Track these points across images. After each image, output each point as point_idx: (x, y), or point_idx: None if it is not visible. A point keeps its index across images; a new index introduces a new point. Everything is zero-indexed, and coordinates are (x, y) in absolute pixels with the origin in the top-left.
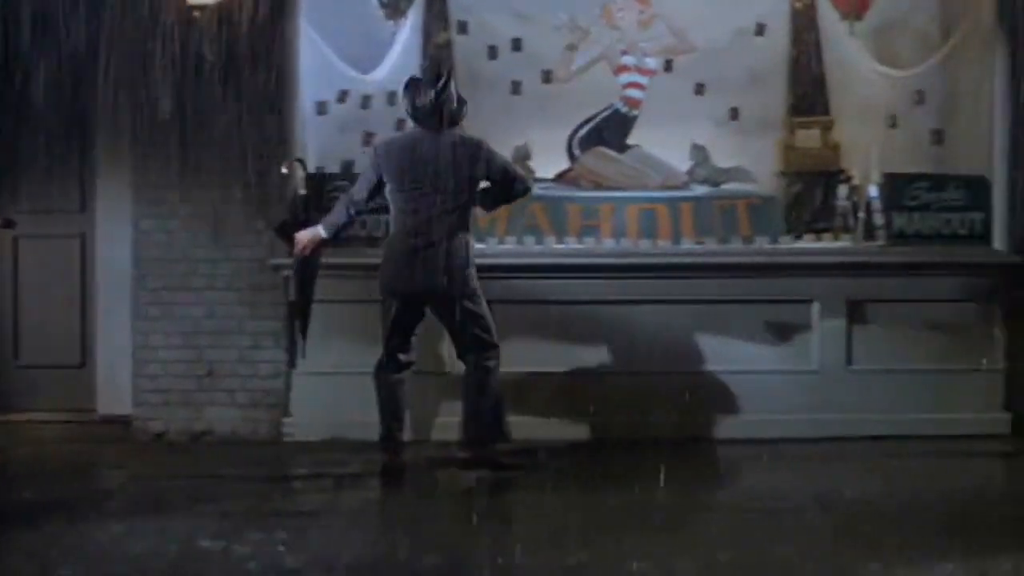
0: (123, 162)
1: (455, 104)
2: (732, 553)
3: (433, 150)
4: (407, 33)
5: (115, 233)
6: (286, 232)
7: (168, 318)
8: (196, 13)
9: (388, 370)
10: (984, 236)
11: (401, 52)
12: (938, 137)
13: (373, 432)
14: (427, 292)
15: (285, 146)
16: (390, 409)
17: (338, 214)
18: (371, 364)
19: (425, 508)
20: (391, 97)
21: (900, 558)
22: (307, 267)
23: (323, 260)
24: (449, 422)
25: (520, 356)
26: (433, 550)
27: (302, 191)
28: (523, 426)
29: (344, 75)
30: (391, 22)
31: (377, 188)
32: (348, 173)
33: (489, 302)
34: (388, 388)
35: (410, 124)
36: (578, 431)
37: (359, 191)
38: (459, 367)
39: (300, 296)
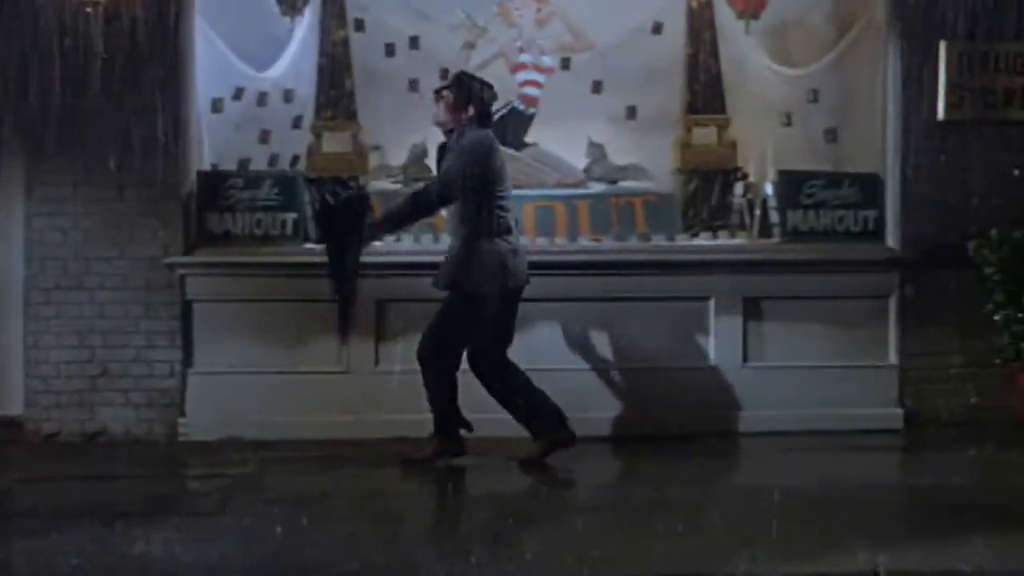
0: (15, 160)
1: None
2: (612, 549)
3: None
4: (304, 30)
5: (7, 232)
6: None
7: (61, 317)
8: (89, 9)
9: (516, 371)
10: (877, 233)
11: (298, 49)
12: (832, 135)
13: (268, 431)
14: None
15: (180, 144)
16: (553, 406)
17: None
18: (265, 363)
19: (328, 506)
20: (288, 94)
21: (792, 551)
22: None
23: (232, 259)
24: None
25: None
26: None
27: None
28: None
29: (240, 72)
30: (288, 19)
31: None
32: (245, 171)
33: (388, 300)
34: (531, 389)
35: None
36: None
37: (452, 190)
38: None
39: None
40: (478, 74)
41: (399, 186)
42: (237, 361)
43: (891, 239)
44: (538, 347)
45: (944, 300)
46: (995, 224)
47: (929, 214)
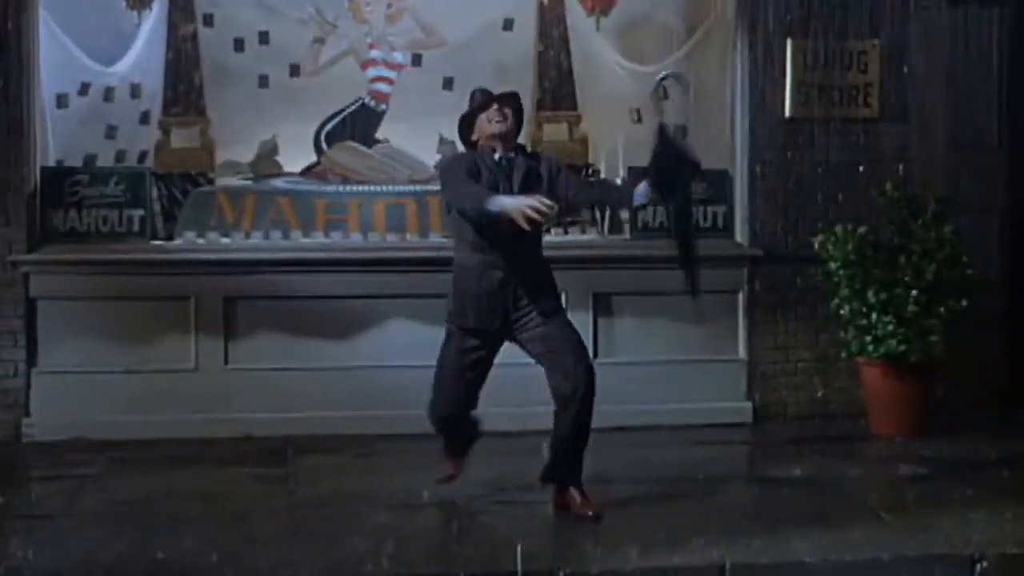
0: None
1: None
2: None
3: None
4: (151, 25)
5: None
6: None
7: None
8: None
9: None
10: (726, 229)
11: (145, 44)
12: (682, 131)
13: (115, 431)
14: None
15: (23, 139)
16: None
17: None
18: (112, 362)
19: (174, 506)
20: (135, 90)
21: (640, 545)
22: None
23: (77, 257)
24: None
25: (267, 352)
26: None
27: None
28: (272, 423)
29: (86, 67)
30: (135, 13)
31: None
32: (90, 167)
33: (237, 297)
34: None
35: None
36: (328, 425)
37: None
38: None
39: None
40: (328, 71)
41: (248, 182)
42: (83, 360)
43: (739, 235)
44: (389, 344)
45: (791, 295)
46: (840, 220)
47: (776, 210)
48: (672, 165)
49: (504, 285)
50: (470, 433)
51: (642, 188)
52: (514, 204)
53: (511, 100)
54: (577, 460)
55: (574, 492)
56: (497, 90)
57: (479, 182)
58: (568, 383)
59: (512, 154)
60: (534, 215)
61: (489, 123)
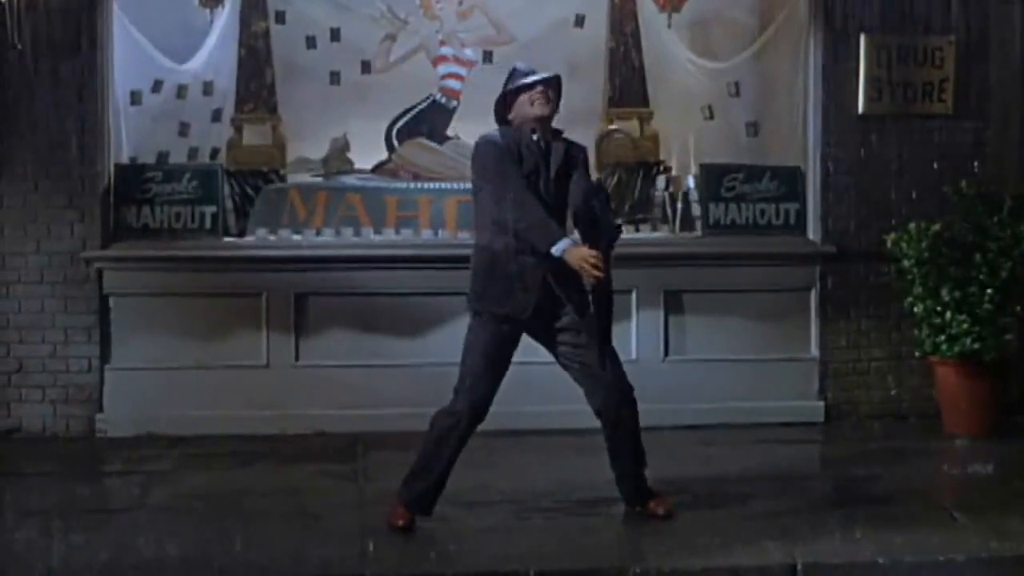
0: None
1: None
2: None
3: None
4: (224, 22)
5: None
6: None
7: None
8: (4, 0)
9: None
10: (798, 226)
11: (217, 42)
12: (754, 129)
13: (187, 427)
14: None
15: (97, 136)
16: None
17: None
18: (184, 358)
19: (245, 502)
20: (207, 87)
21: (711, 544)
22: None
23: (150, 253)
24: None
25: (338, 349)
26: (248, 546)
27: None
28: (343, 419)
29: (159, 64)
30: (207, 11)
31: None
32: (163, 164)
33: (307, 294)
34: None
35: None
36: (399, 422)
37: None
38: None
39: None
40: (399, 68)
41: (319, 179)
42: (155, 356)
43: (812, 232)
44: (459, 341)
45: (864, 293)
46: (914, 217)
47: (849, 207)
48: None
49: (536, 271)
50: (442, 476)
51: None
52: (577, 256)
53: (555, 83)
54: (642, 472)
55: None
56: (567, 87)
57: (521, 166)
58: (613, 397)
59: (549, 137)
60: (592, 272)
61: (532, 105)
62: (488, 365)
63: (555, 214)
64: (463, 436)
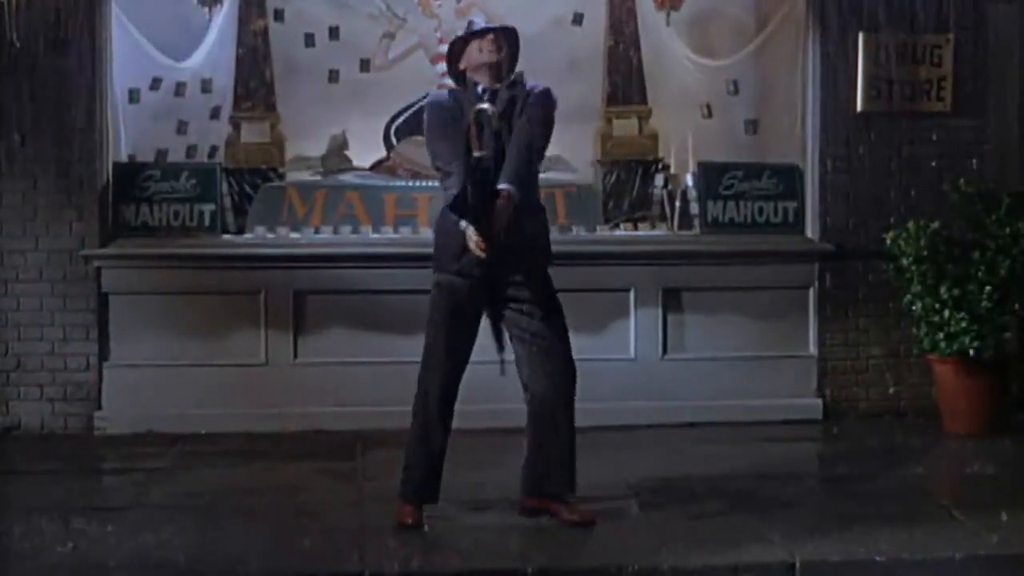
0: None
1: None
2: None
3: None
4: (223, 20)
5: None
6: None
7: None
8: None
9: None
10: (797, 224)
11: (216, 39)
12: (752, 127)
13: (185, 424)
14: None
15: (96, 134)
16: None
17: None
18: (183, 356)
19: (243, 501)
20: (206, 85)
21: (710, 542)
22: None
23: (149, 251)
24: None
25: (337, 347)
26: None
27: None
28: (342, 417)
29: (157, 62)
30: (206, 9)
31: None
32: (162, 162)
33: (306, 292)
34: None
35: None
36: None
37: None
38: None
39: None
40: (397, 66)
41: (318, 177)
42: (154, 354)
43: (810, 230)
44: None
45: (862, 291)
46: (912, 215)
47: (848, 205)
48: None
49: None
50: (437, 461)
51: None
52: (468, 235)
53: (507, 35)
54: (570, 468)
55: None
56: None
57: (459, 124)
58: (553, 384)
59: (497, 85)
60: (477, 252)
61: (480, 52)
62: (446, 339)
63: (496, 164)
64: (438, 415)
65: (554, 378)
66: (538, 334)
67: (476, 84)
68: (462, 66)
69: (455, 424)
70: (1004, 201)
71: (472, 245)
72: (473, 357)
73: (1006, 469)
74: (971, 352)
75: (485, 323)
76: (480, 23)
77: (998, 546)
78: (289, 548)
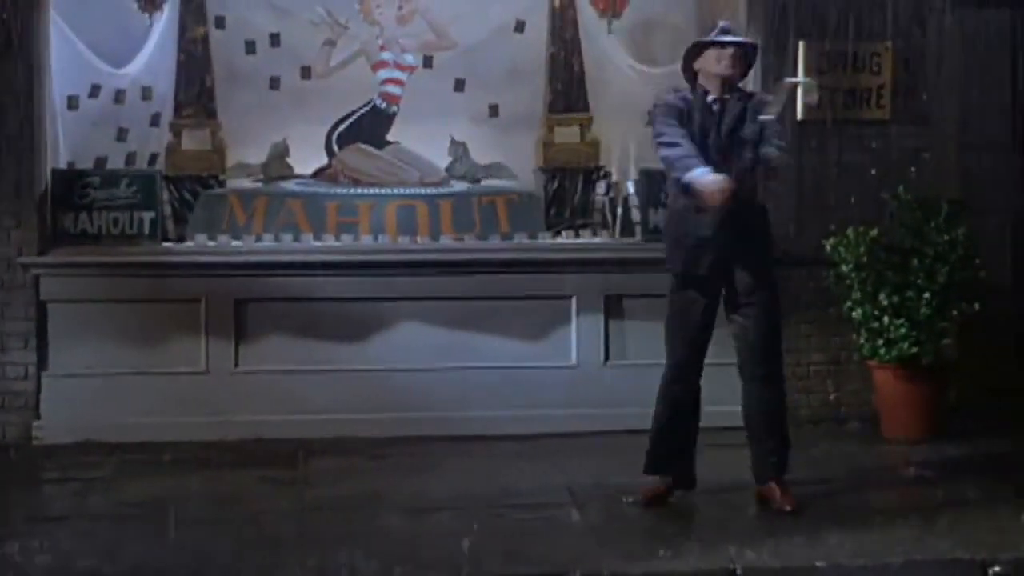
0: None
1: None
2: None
3: None
4: (163, 27)
5: None
6: None
7: None
8: None
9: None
10: None
11: (156, 46)
12: None
13: (125, 434)
14: None
15: (34, 141)
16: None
17: None
18: (123, 364)
19: (183, 510)
20: (146, 92)
21: (653, 548)
22: None
23: (88, 259)
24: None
25: (278, 354)
26: (184, 554)
27: None
28: (283, 425)
29: (97, 69)
30: (146, 15)
31: None
32: (101, 169)
33: (247, 300)
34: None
35: None
36: (340, 428)
37: None
38: None
39: None
40: (339, 73)
41: (259, 184)
42: (93, 362)
43: None
44: (401, 347)
45: (803, 298)
46: (852, 223)
47: (788, 212)
48: None
49: (716, 230)
50: (686, 437)
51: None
52: (704, 183)
53: (748, 51)
54: (776, 450)
55: (773, 485)
56: (507, 92)
57: (689, 127)
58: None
59: (726, 96)
60: (720, 198)
61: (718, 62)
62: (683, 329)
63: (721, 169)
64: (679, 398)
65: (761, 365)
66: (749, 321)
67: (707, 92)
68: (696, 66)
69: (403, 431)
70: (943, 208)
71: (714, 193)
72: (418, 365)
73: (945, 474)
74: (911, 358)
75: None
76: (727, 28)
77: (936, 551)
78: (230, 557)
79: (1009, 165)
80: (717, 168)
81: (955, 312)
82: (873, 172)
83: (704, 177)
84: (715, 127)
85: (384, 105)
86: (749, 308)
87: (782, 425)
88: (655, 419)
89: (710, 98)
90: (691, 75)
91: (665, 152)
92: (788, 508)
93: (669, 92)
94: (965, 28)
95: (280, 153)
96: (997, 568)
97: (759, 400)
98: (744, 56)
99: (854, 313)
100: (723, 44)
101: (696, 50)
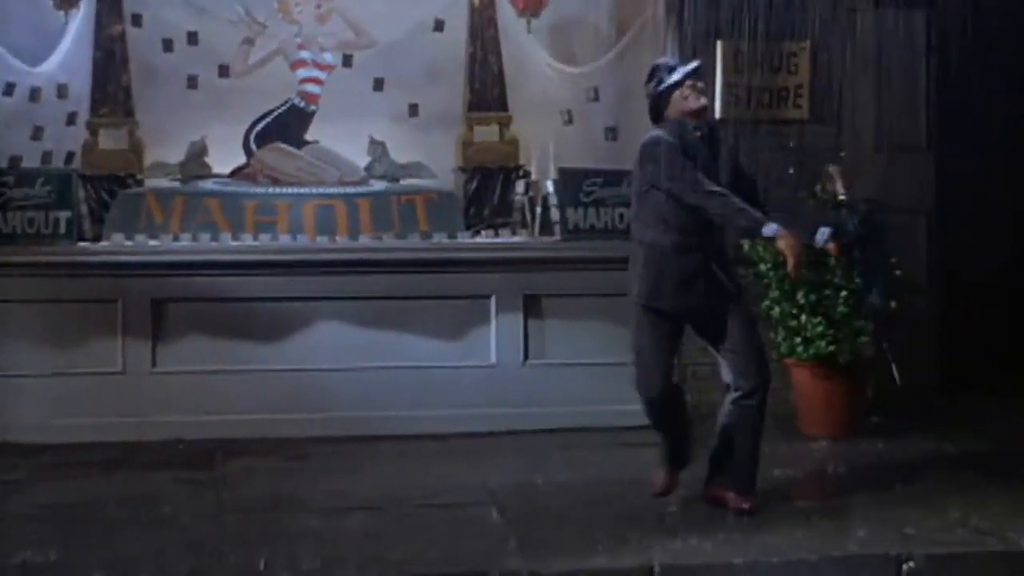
0: None
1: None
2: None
3: None
4: (79, 24)
5: None
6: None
7: None
8: None
9: None
10: None
11: (72, 44)
12: (613, 134)
13: (42, 435)
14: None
15: None
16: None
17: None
18: (38, 365)
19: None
20: (62, 90)
21: (572, 546)
22: None
23: (2, 259)
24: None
25: (196, 355)
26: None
27: None
28: (201, 426)
29: (11, 67)
30: (62, 13)
31: None
32: (16, 168)
33: (165, 300)
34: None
35: None
36: (259, 428)
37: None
38: None
39: None
40: (257, 72)
41: (177, 184)
42: (8, 364)
43: None
44: (320, 347)
45: None
46: None
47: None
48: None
49: (702, 266)
50: (682, 428)
51: (824, 233)
52: (788, 243)
53: (701, 72)
54: (749, 462)
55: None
56: (427, 92)
57: (695, 166)
58: (748, 383)
59: (706, 127)
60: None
61: (685, 100)
62: (657, 352)
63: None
64: (670, 413)
65: (751, 379)
66: (736, 341)
67: (695, 128)
68: (669, 114)
69: (322, 431)
70: (859, 207)
71: (793, 258)
72: (337, 365)
73: (862, 470)
74: (828, 356)
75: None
76: (668, 65)
77: (852, 547)
78: (149, 559)
79: (923, 163)
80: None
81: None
82: (791, 171)
83: (786, 234)
84: (712, 161)
85: (303, 104)
86: (736, 333)
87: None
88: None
89: (698, 133)
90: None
91: (715, 204)
92: (746, 506)
93: (656, 131)
94: (881, 28)
95: (198, 152)
96: (911, 563)
97: (751, 419)
98: (704, 82)
99: (772, 312)
100: (679, 82)
101: (661, 101)
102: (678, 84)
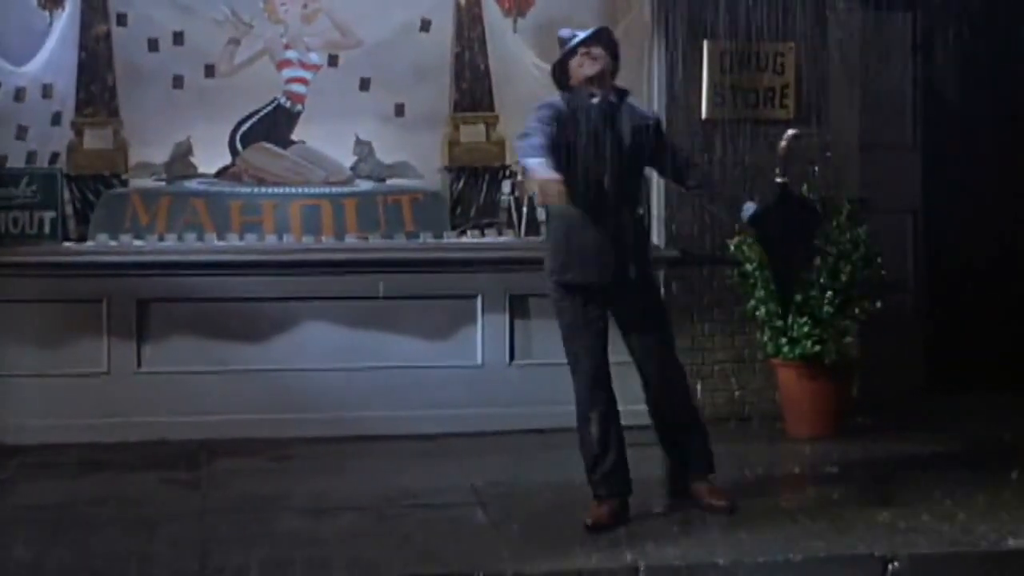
0: None
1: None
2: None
3: None
4: (64, 24)
5: None
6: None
7: None
8: None
9: None
10: None
11: (57, 44)
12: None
13: (26, 435)
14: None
15: None
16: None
17: None
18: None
19: (84, 512)
20: (46, 90)
21: (558, 546)
22: None
23: None
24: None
25: (181, 355)
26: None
27: None
28: (186, 427)
29: None
30: (47, 12)
31: None
32: (1, 168)
33: (150, 300)
34: None
35: None
36: (243, 429)
37: None
38: None
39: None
40: (243, 72)
41: (162, 184)
42: None
43: (656, 236)
44: (305, 347)
45: (707, 297)
46: None
47: (693, 211)
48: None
49: (607, 240)
50: (619, 447)
51: (750, 208)
52: (539, 177)
53: (599, 38)
54: (698, 447)
55: (700, 485)
56: (413, 91)
57: (568, 129)
58: (659, 376)
59: (615, 99)
60: (542, 198)
61: (580, 68)
62: (582, 337)
63: (626, 179)
64: (605, 411)
65: (662, 372)
66: (644, 334)
67: (591, 95)
68: (572, 83)
69: (307, 432)
70: (845, 208)
71: (540, 193)
72: (323, 365)
73: (848, 471)
74: (814, 356)
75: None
76: (566, 35)
77: (837, 547)
78: (133, 560)
79: (909, 163)
80: (615, 174)
81: (857, 310)
82: (776, 171)
83: (542, 168)
84: (611, 130)
85: (289, 104)
86: (641, 314)
87: (698, 416)
88: (591, 442)
89: (595, 100)
90: (568, 88)
91: (518, 142)
92: (722, 503)
93: (549, 98)
94: (866, 29)
95: (183, 152)
96: (897, 563)
97: (670, 398)
98: (603, 46)
99: (758, 312)
100: (573, 50)
101: (561, 71)
102: (573, 51)
